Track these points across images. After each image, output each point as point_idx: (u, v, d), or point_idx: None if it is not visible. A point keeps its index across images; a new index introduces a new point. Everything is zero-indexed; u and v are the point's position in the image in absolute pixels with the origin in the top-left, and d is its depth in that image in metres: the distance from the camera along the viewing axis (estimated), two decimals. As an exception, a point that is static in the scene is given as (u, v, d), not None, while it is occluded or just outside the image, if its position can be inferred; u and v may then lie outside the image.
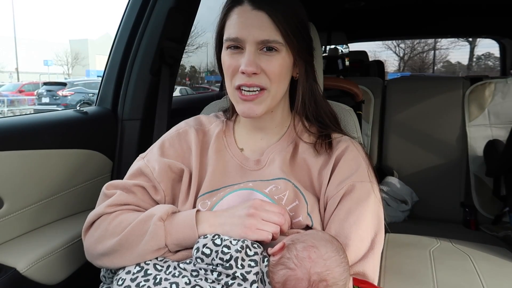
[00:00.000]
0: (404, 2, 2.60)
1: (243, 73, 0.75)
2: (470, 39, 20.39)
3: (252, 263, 0.65)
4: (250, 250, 0.66)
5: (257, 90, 0.76)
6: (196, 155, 0.84)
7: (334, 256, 0.62)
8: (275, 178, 0.79)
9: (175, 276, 0.66)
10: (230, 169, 0.83)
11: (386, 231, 0.79)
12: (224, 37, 0.78)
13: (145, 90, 1.33)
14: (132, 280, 0.68)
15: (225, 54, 0.79)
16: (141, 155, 0.88)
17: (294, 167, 0.83)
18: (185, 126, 0.91)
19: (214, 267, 0.65)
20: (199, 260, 0.66)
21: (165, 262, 0.71)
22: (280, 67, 0.76)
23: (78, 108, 1.22)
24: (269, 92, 0.77)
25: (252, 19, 0.74)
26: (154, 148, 0.88)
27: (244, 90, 0.76)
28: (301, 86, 0.84)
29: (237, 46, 0.76)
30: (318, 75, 0.93)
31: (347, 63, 3.26)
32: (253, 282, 0.63)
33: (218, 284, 0.64)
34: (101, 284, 0.83)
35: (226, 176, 0.82)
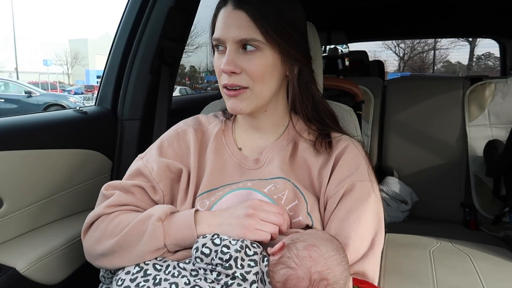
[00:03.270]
0: (404, 2, 2.60)
1: (225, 72, 0.76)
2: (470, 39, 20.41)
3: (252, 263, 0.65)
4: (250, 250, 0.66)
5: (239, 88, 0.77)
6: (194, 155, 0.84)
7: (334, 255, 0.62)
8: (274, 177, 0.79)
9: (175, 276, 0.66)
10: (228, 168, 0.83)
11: (385, 232, 0.79)
12: (212, 38, 0.80)
13: (145, 90, 1.33)
14: (132, 280, 0.68)
15: (215, 55, 0.81)
16: (139, 155, 0.88)
17: (293, 166, 0.83)
18: (184, 125, 0.91)
19: (213, 267, 0.65)
20: (198, 260, 0.66)
21: (165, 262, 0.71)
22: (261, 66, 0.76)
23: (78, 108, 1.22)
24: (252, 91, 0.78)
25: (231, 19, 0.75)
26: (153, 148, 0.88)
27: (228, 88, 0.78)
28: (291, 85, 0.83)
29: (222, 48, 0.78)
30: (318, 75, 0.93)
31: (347, 63, 3.26)
32: (253, 282, 0.63)
33: (218, 284, 0.64)
34: (100, 284, 0.83)
35: (225, 175, 0.82)
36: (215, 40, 0.78)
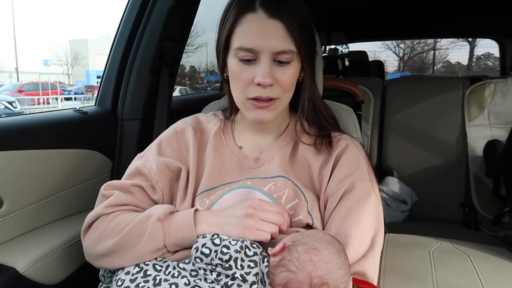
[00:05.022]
0: (404, 2, 2.60)
1: (258, 84, 0.73)
2: (470, 39, 20.41)
3: (252, 264, 0.65)
4: (250, 250, 0.66)
5: (270, 99, 0.76)
6: (193, 154, 0.84)
7: (335, 258, 0.62)
8: (274, 176, 0.79)
9: (175, 277, 0.66)
10: (228, 166, 0.83)
11: (385, 231, 0.79)
12: (236, 45, 0.74)
13: (145, 90, 1.33)
14: (132, 281, 0.68)
15: (234, 63, 0.76)
16: (139, 155, 0.88)
17: (294, 165, 0.83)
18: (183, 124, 0.91)
19: (213, 267, 0.65)
20: (198, 260, 0.66)
21: (165, 262, 0.71)
22: (292, 76, 0.77)
23: (78, 108, 1.22)
24: (281, 101, 0.78)
25: (267, 28, 0.72)
26: (152, 147, 0.88)
27: (258, 100, 0.76)
28: (307, 90, 0.84)
29: (250, 59, 0.74)
30: (318, 75, 0.93)
31: (346, 63, 3.26)
32: (253, 283, 0.63)
33: (218, 284, 0.64)
34: (100, 283, 0.83)
35: (224, 174, 0.82)
36: (246, 51, 0.73)
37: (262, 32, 0.72)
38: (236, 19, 0.75)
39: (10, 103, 12.01)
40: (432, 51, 25.93)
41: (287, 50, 0.73)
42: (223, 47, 0.79)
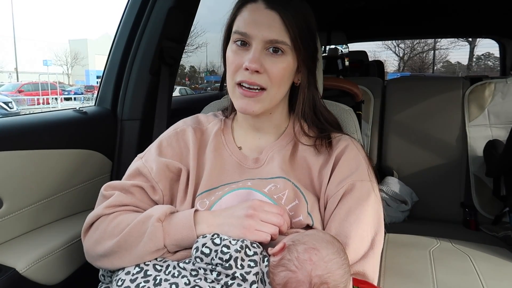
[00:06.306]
0: (404, 2, 2.60)
1: (246, 69, 0.75)
2: (470, 39, 20.43)
3: (252, 263, 0.65)
4: (250, 250, 0.66)
5: (257, 89, 0.76)
6: (193, 154, 0.84)
7: (335, 258, 0.62)
8: (274, 177, 0.79)
9: (175, 277, 0.66)
10: (228, 167, 0.83)
11: (385, 232, 0.79)
12: (233, 30, 0.78)
13: (145, 90, 1.33)
14: (132, 281, 0.68)
15: (230, 49, 0.79)
16: (139, 155, 0.88)
17: (294, 166, 0.83)
18: (183, 125, 0.91)
19: (213, 266, 0.65)
20: (198, 260, 0.66)
21: (165, 262, 0.71)
22: (283, 70, 0.77)
23: (78, 108, 1.22)
24: (268, 93, 0.78)
25: (263, 18, 0.75)
26: (152, 148, 0.88)
27: (245, 87, 0.76)
28: (302, 93, 0.84)
29: (244, 42, 0.76)
30: (318, 76, 0.93)
31: (346, 63, 3.26)
32: (253, 282, 0.63)
33: (218, 284, 0.64)
34: (100, 284, 0.83)
35: (224, 174, 0.82)
36: (240, 34, 0.76)
37: (258, 20, 0.75)
38: (238, 9, 0.79)
39: (6, 103, 12.00)
40: (432, 51, 25.96)
41: (279, 40, 0.74)
42: (225, 37, 0.82)
